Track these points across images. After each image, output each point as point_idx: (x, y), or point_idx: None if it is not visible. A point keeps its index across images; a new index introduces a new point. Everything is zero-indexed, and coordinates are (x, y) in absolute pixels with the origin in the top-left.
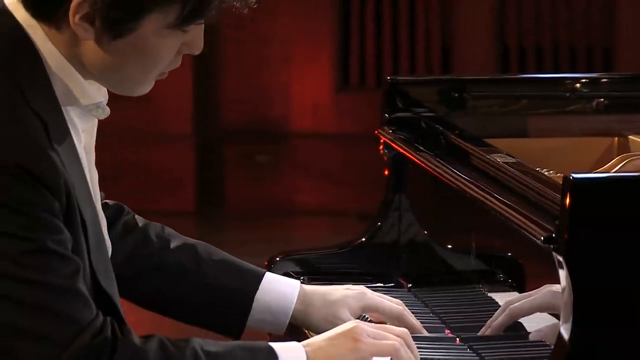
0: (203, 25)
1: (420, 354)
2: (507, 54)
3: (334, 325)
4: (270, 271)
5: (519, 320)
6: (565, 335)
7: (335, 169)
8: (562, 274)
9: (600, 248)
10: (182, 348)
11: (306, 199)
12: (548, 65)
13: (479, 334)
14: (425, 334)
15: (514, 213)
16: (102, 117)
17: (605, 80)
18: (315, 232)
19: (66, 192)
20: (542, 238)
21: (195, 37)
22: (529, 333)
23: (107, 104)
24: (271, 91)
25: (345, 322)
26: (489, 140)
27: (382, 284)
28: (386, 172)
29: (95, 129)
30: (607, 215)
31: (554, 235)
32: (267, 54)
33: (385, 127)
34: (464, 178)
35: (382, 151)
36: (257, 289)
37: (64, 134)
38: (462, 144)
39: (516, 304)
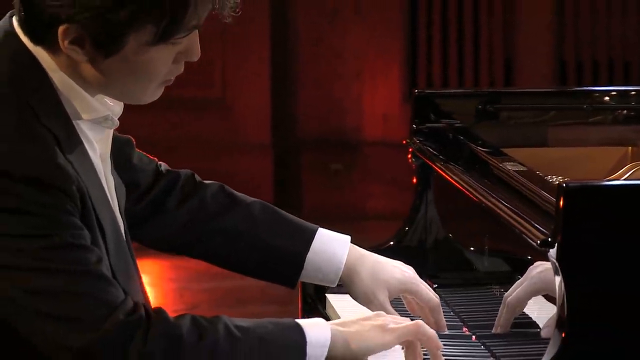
0: (197, 33)
1: None
2: (564, 67)
3: (369, 304)
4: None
5: (529, 317)
6: (560, 335)
7: (403, 176)
8: (557, 279)
9: (592, 251)
10: (214, 323)
11: (376, 204)
12: (603, 78)
13: (492, 331)
14: (446, 332)
15: (516, 217)
16: (112, 128)
17: (627, 92)
18: (384, 234)
19: (80, 197)
20: (538, 242)
21: (189, 45)
22: (540, 330)
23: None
24: (344, 103)
25: (380, 305)
26: (511, 150)
27: None
28: (414, 180)
29: (110, 138)
30: (599, 220)
31: (549, 239)
32: (341, 68)
33: (414, 138)
34: (474, 184)
35: (410, 160)
36: (308, 250)
37: (76, 145)
38: (478, 153)
39: (512, 296)
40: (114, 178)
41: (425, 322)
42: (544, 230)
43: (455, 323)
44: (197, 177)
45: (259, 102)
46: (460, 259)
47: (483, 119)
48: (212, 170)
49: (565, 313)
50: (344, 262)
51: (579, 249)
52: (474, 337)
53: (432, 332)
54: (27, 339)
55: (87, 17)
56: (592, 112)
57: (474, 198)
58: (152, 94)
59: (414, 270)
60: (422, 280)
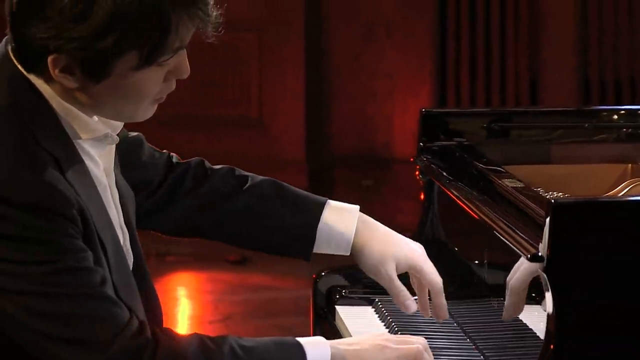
0: (184, 52)
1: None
2: (588, 85)
3: (377, 275)
4: (316, 285)
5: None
6: (548, 348)
7: None
8: (547, 295)
9: (581, 266)
10: (220, 344)
11: (405, 219)
12: (626, 97)
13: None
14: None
15: (510, 232)
16: (113, 144)
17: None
18: None
19: (82, 218)
20: (529, 256)
21: (178, 64)
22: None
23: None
24: (376, 121)
25: (388, 278)
26: (516, 167)
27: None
28: (422, 196)
29: (113, 152)
30: (587, 235)
31: (540, 253)
32: (374, 87)
33: (421, 155)
34: (473, 200)
35: (418, 177)
36: (319, 222)
37: (77, 165)
38: (479, 170)
39: (512, 280)
40: (121, 187)
41: (421, 302)
42: (536, 245)
43: (457, 334)
44: (207, 164)
45: (294, 120)
46: (464, 271)
47: (487, 137)
48: None
49: (554, 326)
50: (354, 232)
51: (567, 263)
52: (474, 347)
53: (430, 358)
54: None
55: (73, 47)
56: (594, 130)
57: (472, 213)
58: (144, 112)
59: (424, 249)
60: (429, 261)
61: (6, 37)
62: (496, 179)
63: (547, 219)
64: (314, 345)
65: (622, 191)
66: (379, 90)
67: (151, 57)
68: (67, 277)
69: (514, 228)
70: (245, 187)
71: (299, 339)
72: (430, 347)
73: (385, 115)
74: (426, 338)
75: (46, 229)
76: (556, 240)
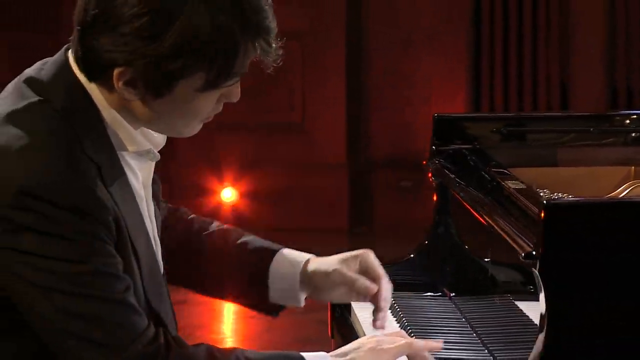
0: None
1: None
2: (615, 92)
3: (341, 285)
4: None
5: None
6: (541, 342)
7: None
8: (541, 295)
9: (572, 264)
10: (227, 355)
11: None
12: None
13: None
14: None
15: (509, 232)
16: (154, 160)
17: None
18: None
19: (116, 225)
20: (523, 254)
21: (232, 90)
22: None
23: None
24: (414, 126)
25: (351, 278)
26: (524, 169)
27: (431, 294)
28: (434, 197)
29: (153, 168)
30: (579, 234)
31: (534, 252)
32: (411, 93)
33: (433, 158)
34: (477, 201)
35: (431, 179)
36: (268, 277)
37: (118, 175)
38: (485, 172)
39: None
40: (153, 204)
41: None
42: (532, 244)
43: (465, 329)
44: (172, 208)
45: (335, 125)
46: (474, 269)
47: (497, 141)
48: (292, 187)
49: (547, 324)
50: (298, 287)
51: (560, 262)
52: (480, 342)
53: (423, 346)
54: (54, 351)
55: (143, 63)
56: (600, 134)
57: (475, 213)
58: (192, 129)
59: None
60: (376, 260)
61: (67, 45)
62: (500, 180)
63: (541, 218)
64: (314, 358)
65: (622, 192)
66: (417, 96)
67: (216, 81)
68: (93, 279)
69: (513, 228)
70: (212, 236)
71: (303, 353)
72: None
73: (422, 119)
74: (435, 333)
75: (81, 230)
76: (549, 239)
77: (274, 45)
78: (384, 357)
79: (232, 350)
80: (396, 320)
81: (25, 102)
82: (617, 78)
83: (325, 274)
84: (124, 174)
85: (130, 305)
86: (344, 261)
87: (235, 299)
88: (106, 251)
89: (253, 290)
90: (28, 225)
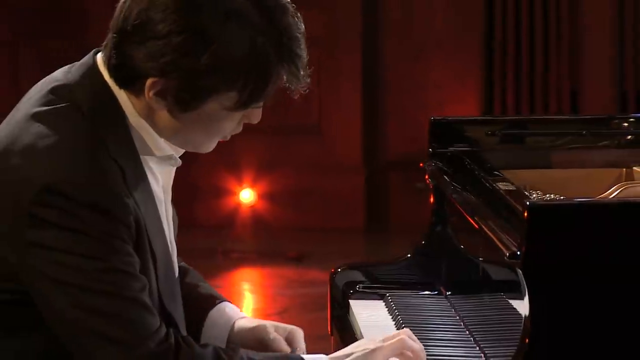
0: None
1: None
2: (625, 96)
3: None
4: (333, 280)
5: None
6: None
7: None
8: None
9: (553, 263)
10: (232, 355)
11: None
12: None
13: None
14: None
15: (496, 232)
16: (175, 166)
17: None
18: None
19: (136, 226)
20: (507, 254)
21: (254, 111)
22: None
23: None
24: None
25: (275, 340)
26: (518, 171)
27: (428, 292)
28: (431, 198)
29: (173, 172)
30: (560, 235)
31: (518, 252)
32: (424, 97)
33: (430, 161)
34: (468, 202)
35: (428, 181)
36: (202, 331)
37: (140, 178)
38: (477, 174)
39: None
40: (172, 207)
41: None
42: (515, 244)
43: (457, 327)
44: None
45: (351, 128)
46: (470, 268)
47: (492, 144)
48: (309, 188)
49: (529, 322)
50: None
51: (542, 261)
52: (472, 339)
53: (416, 345)
54: (66, 345)
55: (177, 76)
56: (592, 137)
57: (465, 214)
58: (210, 146)
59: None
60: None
61: (95, 49)
62: (491, 182)
63: (524, 219)
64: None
65: (612, 193)
66: (430, 100)
67: (247, 102)
68: (110, 277)
69: (500, 228)
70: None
71: (303, 355)
72: (434, 340)
73: None
74: (428, 330)
75: (102, 228)
76: (531, 239)
77: (302, 72)
78: (379, 357)
79: (236, 351)
80: (392, 317)
81: (51, 103)
82: (626, 83)
83: (249, 330)
84: (145, 177)
85: (145, 304)
86: (273, 325)
87: None
88: (125, 250)
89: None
90: (50, 221)
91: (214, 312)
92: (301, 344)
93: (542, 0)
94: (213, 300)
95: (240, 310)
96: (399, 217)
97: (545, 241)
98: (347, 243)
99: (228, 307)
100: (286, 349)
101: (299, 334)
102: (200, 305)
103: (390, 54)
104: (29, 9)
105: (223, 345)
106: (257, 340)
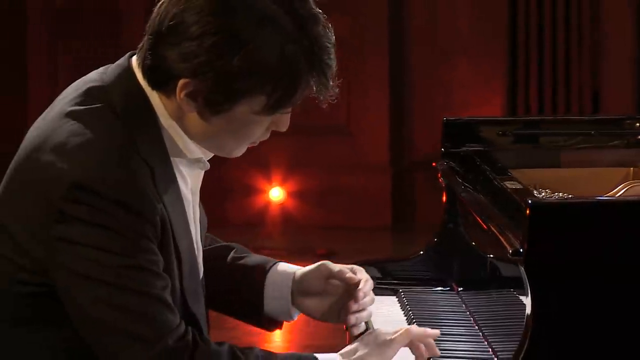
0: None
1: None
2: None
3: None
4: None
5: None
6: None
7: None
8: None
9: (555, 261)
10: (247, 353)
11: None
12: None
13: None
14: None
15: (501, 229)
16: (204, 169)
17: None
18: None
19: (162, 226)
20: (510, 251)
21: (283, 118)
22: None
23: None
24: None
25: (340, 271)
26: (527, 170)
27: (441, 288)
28: (444, 197)
29: (202, 176)
30: (561, 233)
31: (521, 249)
32: (450, 98)
33: (442, 160)
34: (476, 200)
35: (440, 180)
36: (263, 295)
37: (169, 179)
38: (487, 173)
39: None
40: (200, 209)
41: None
42: (517, 242)
43: (467, 322)
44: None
45: (378, 128)
46: (482, 265)
47: (503, 143)
48: (338, 187)
49: (532, 319)
50: (290, 304)
51: (543, 259)
52: (481, 334)
53: (423, 332)
54: (88, 342)
55: (209, 78)
56: (601, 137)
57: (473, 213)
58: (239, 151)
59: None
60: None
61: (131, 51)
62: (499, 181)
63: (525, 217)
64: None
65: (619, 192)
66: (456, 101)
67: (275, 107)
68: (134, 274)
69: (504, 226)
70: (219, 257)
71: (316, 354)
72: (442, 335)
73: None
74: (438, 325)
75: (129, 225)
76: (533, 237)
77: (331, 82)
78: (389, 353)
79: (251, 349)
80: (403, 313)
81: (86, 103)
82: None
83: (314, 270)
84: (174, 178)
85: (166, 302)
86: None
87: (230, 310)
88: (150, 249)
89: (247, 304)
90: (79, 217)
91: (271, 275)
92: (364, 274)
93: (564, 7)
94: (263, 267)
95: None
96: (425, 216)
97: (547, 239)
98: (374, 241)
99: (280, 266)
100: (353, 277)
101: (360, 268)
102: (254, 275)
103: (417, 56)
104: (65, 9)
105: (288, 304)
106: (323, 277)
